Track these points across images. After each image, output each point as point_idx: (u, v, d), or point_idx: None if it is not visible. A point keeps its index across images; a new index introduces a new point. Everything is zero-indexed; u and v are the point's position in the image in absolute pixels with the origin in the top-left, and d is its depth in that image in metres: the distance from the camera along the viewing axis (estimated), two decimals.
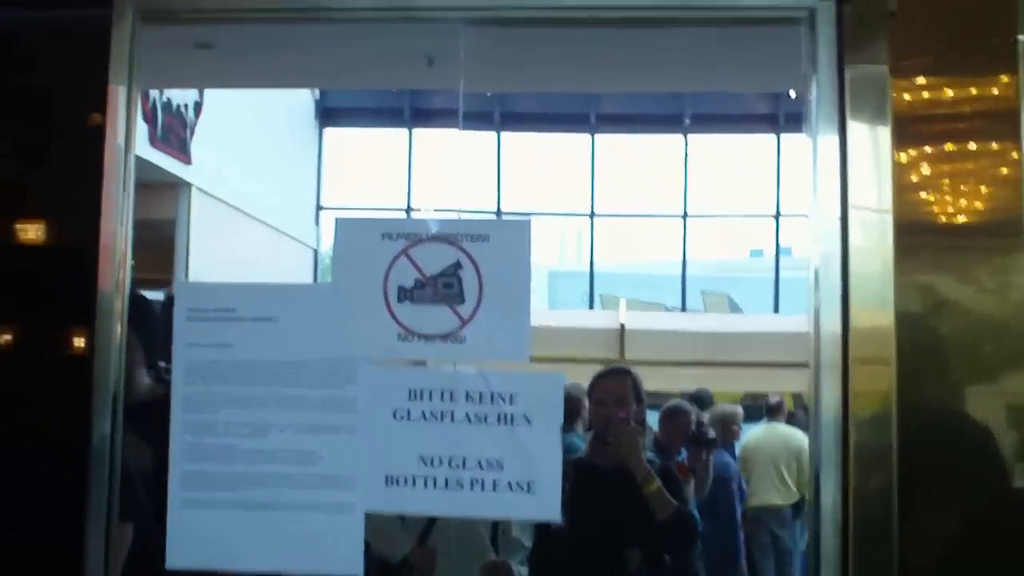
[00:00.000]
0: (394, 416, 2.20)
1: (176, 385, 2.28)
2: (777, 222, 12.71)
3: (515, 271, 2.21)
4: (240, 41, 3.20)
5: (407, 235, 2.22)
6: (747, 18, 2.42)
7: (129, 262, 2.40)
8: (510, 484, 2.17)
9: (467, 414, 2.18)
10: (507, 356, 2.21)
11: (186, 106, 8.47)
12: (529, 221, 2.24)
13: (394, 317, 2.20)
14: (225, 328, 2.26)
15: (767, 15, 2.38)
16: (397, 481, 2.20)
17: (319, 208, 12.41)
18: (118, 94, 2.42)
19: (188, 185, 8.64)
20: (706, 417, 6.53)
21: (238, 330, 2.26)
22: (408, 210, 12.00)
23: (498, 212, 12.23)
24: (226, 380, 2.25)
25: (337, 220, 2.30)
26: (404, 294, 2.20)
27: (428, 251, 2.21)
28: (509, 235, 2.24)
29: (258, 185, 10.06)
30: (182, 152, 8.51)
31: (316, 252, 11.95)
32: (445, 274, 2.20)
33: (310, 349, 2.23)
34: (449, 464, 2.19)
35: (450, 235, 2.21)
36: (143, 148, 7.80)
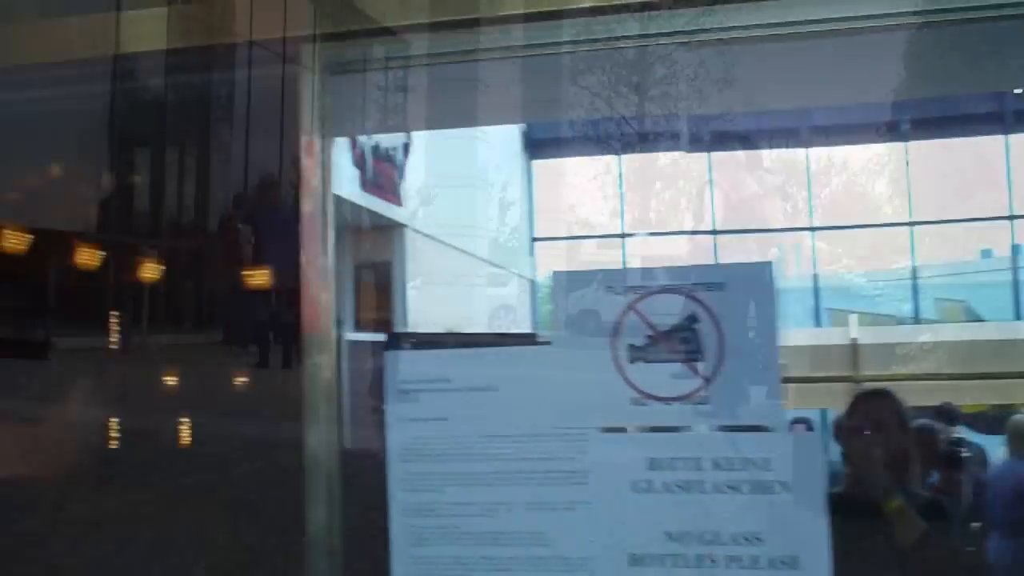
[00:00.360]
0: (634, 488, 1.99)
1: (392, 464, 2.13)
2: (1012, 223, 12.02)
3: (760, 321, 1.97)
4: (439, 82, 3.10)
5: (633, 287, 2.01)
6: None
7: (333, 307, 2.33)
8: (771, 560, 1.93)
9: (716, 483, 1.96)
10: (756, 417, 1.98)
11: (395, 148, 8.56)
12: (771, 263, 2.00)
13: (626, 379, 1.99)
14: (440, 400, 2.10)
15: None
16: (643, 560, 1.99)
17: (533, 239, 12.43)
18: (312, 144, 2.37)
19: (401, 226, 8.76)
20: (955, 434, 6.16)
21: (454, 402, 2.10)
22: (623, 235, 11.85)
23: (713, 232, 11.94)
24: (445, 457, 2.09)
25: (554, 274, 2.12)
26: (636, 353, 1.99)
27: (658, 304, 2.00)
28: (749, 281, 2.00)
29: (470, 220, 10.14)
30: (393, 194, 8.64)
31: (533, 283, 11.94)
32: (680, 329, 1.98)
33: (534, 418, 2.04)
34: (700, 539, 1.97)
35: (681, 285, 1.99)
36: (355, 193, 7.94)
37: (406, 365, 2.14)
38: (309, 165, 2.38)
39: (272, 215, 12.71)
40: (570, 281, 2.10)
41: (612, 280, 2.04)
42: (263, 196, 13.21)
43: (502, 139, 11.88)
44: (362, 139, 7.74)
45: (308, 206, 2.36)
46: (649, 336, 1.99)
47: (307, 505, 2.24)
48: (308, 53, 2.43)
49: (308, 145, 2.39)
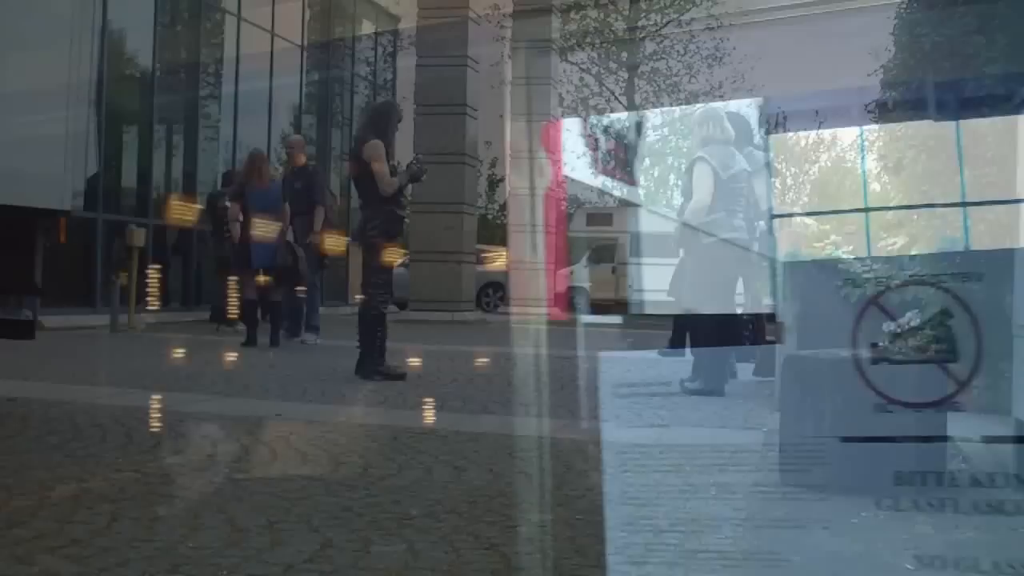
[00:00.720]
0: (878, 505, 1.75)
1: (607, 472, 1.90)
2: None
3: None
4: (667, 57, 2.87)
5: (876, 279, 1.77)
6: None
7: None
8: None
9: (975, 502, 1.72)
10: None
11: (627, 128, 8.38)
12: None
13: (868, 382, 1.75)
14: (660, 403, 1.87)
15: None
16: None
17: (772, 215, 12.17)
18: (522, 126, 2.15)
19: (635, 205, 8.64)
20: None
21: (676, 405, 1.86)
22: (866, 210, 11.41)
23: (963, 204, 11.52)
24: (665, 467, 1.86)
25: (786, 265, 1.89)
26: (879, 353, 1.75)
27: (905, 297, 1.75)
28: (1013, 269, 1.75)
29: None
30: (625, 173, 8.51)
31: (774, 261, 11.73)
32: (930, 325, 1.74)
33: (766, 426, 1.82)
34: (956, 566, 1.73)
35: (931, 275, 1.75)
36: (585, 174, 7.78)
37: (625, 365, 1.91)
38: (516, 147, 2.15)
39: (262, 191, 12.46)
40: (804, 272, 1.87)
41: (851, 270, 1.79)
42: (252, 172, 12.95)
43: (736, 113, 11.60)
44: (593, 119, 7.61)
45: (513, 186, 2.13)
46: (895, 334, 1.75)
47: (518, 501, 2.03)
48: (525, 31, 2.20)
49: (513, 126, 2.17)
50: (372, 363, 8.93)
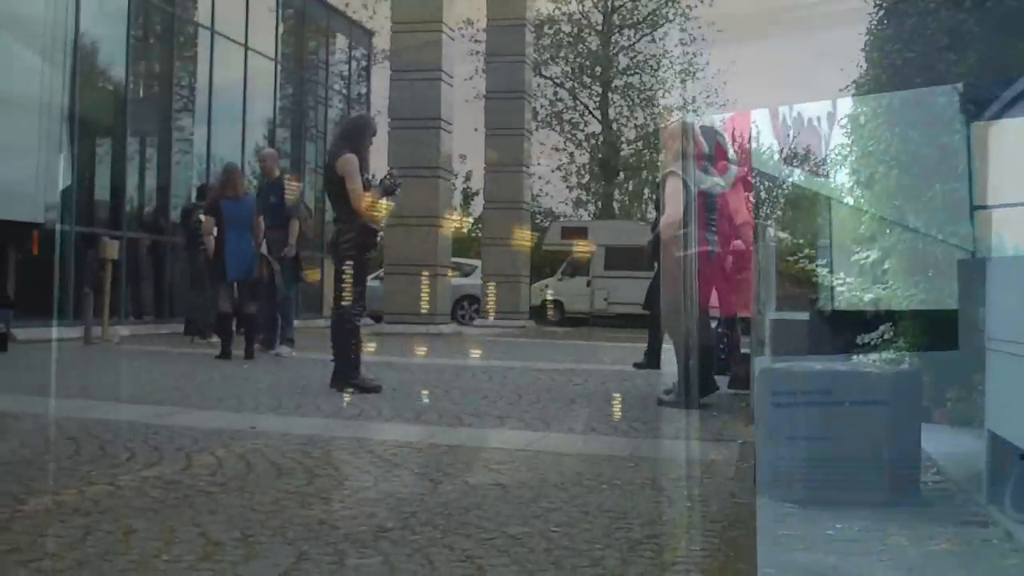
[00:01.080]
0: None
1: (761, 485, 1.84)
2: None
3: None
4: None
5: None
6: None
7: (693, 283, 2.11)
8: None
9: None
10: None
11: (818, 118, 8.37)
12: None
13: None
14: (820, 415, 1.77)
15: None
16: None
17: (973, 207, 11.82)
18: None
19: (826, 198, 8.58)
20: None
21: (837, 418, 1.76)
22: None
23: None
24: (823, 483, 1.78)
25: (988, 261, 1.83)
26: None
27: None
28: None
29: (899, 189, 9.87)
30: (816, 164, 8.50)
31: (972, 255, 11.38)
32: None
33: None
34: None
35: None
36: (777, 166, 7.72)
37: (783, 373, 1.83)
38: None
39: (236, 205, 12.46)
40: (1005, 269, 1.76)
41: None
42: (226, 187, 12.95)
43: (932, 100, 11.28)
44: (784, 109, 7.49)
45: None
46: None
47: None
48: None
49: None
50: (347, 376, 8.92)
